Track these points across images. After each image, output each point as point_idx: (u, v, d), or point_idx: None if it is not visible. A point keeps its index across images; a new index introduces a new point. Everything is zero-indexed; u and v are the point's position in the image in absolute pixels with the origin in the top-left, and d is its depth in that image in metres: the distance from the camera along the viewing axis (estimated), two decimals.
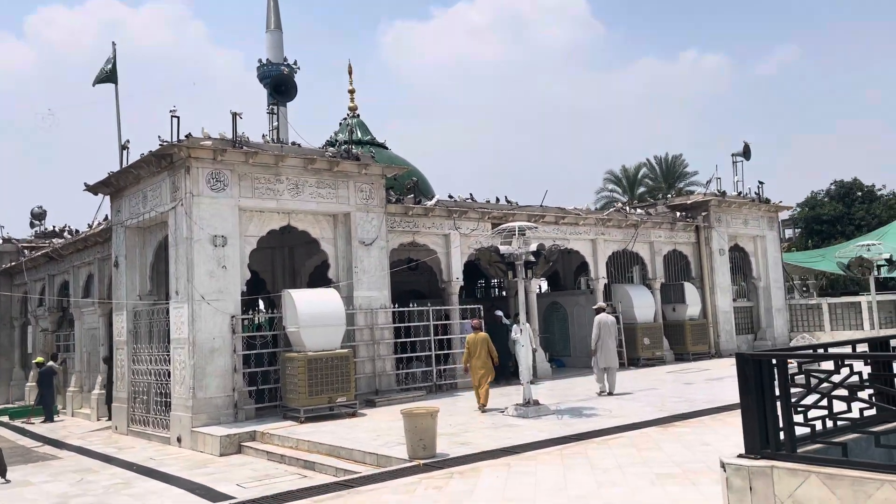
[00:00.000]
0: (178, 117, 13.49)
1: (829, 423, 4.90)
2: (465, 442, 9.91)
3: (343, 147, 15.37)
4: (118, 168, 15.25)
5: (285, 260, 18.84)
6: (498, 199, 19.14)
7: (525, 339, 12.62)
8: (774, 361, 4.80)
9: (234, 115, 13.79)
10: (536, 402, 12.32)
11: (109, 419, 16.63)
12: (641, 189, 46.73)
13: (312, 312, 13.07)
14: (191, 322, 12.92)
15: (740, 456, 4.86)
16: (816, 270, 30.70)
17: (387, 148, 24.69)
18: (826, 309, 24.18)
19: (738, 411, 11.35)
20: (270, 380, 13.89)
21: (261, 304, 22.66)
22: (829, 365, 4.82)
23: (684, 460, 7.93)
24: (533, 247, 12.53)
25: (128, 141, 15.75)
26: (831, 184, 42.62)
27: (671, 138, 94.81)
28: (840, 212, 40.25)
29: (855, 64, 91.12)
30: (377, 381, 15.10)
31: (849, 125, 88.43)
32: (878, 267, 19.31)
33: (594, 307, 15.73)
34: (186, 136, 13.32)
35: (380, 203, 15.61)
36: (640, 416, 11.37)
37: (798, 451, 4.64)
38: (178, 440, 12.95)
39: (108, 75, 17.06)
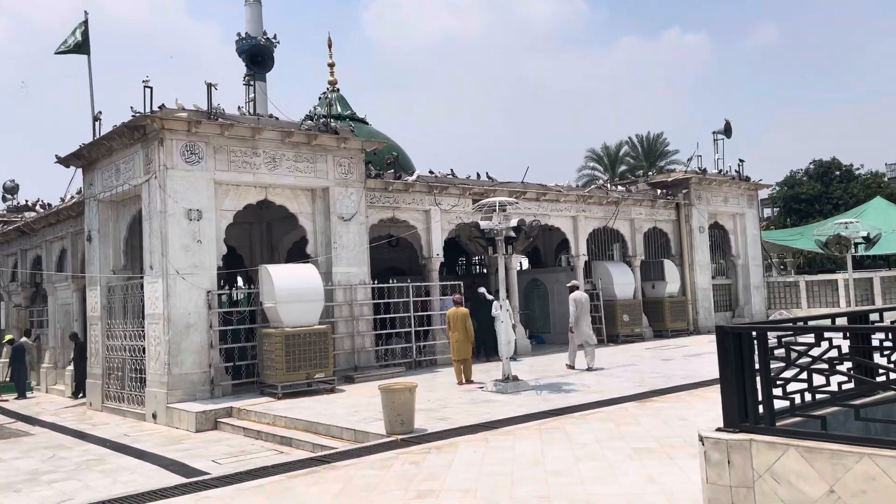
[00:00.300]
0: (151, 88, 13.18)
1: (809, 397, 4.86)
2: (443, 417, 9.85)
3: (321, 120, 15.10)
4: (91, 140, 14.88)
5: (263, 235, 18.58)
6: (479, 176, 18.98)
7: (504, 316, 12.55)
8: (754, 334, 4.73)
9: (209, 86, 13.48)
10: (516, 378, 12.29)
11: (78, 396, 16.44)
12: (623, 167, 46.76)
13: (290, 288, 12.90)
14: (165, 297, 12.70)
15: (718, 429, 4.80)
16: (794, 248, 30.97)
17: (367, 123, 24.39)
18: (803, 286, 24.40)
19: (716, 387, 11.37)
20: (248, 356, 13.74)
21: (239, 280, 22.44)
22: (808, 338, 4.77)
23: (662, 435, 7.92)
24: (513, 222, 12.41)
25: (100, 112, 15.39)
26: (810, 163, 42.85)
27: (653, 117, 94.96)
28: (818, 191, 40.50)
29: (835, 44, 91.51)
30: (356, 358, 15.00)
31: (830, 105, 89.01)
32: (856, 245, 19.44)
33: (568, 285, 15.77)
34: (160, 108, 12.99)
35: (359, 178, 15.39)
36: (619, 391, 11.37)
37: (777, 424, 4.60)
38: (154, 416, 12.79)
39: (80, 46, 16.57)
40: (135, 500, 6.50)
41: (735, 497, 4.54)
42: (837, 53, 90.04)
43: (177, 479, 8.16)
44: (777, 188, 42.66)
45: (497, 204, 12.30)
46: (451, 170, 18.31)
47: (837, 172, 41.75)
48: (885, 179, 44.30)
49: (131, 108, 13.12)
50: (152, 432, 11.94)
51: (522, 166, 19.66)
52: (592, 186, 23.08)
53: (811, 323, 5.34)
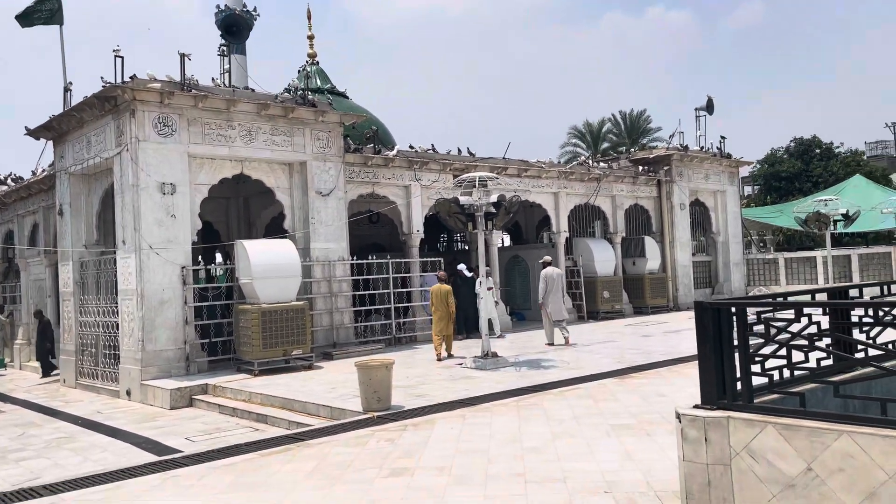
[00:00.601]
0: (122, 58, 12.79)
1: (787, 374, 4.79)
2: (421, 394, 9.75)
3: (299, 93, 14.78)
4: (61, 112, 14.46)
5: (240, 210, 18.28)
6: (460, 151, 18.76)
7: (484, 291, 12.47)
8: (734, 310, 4.63)
9: (182, 56, 13.11)
10: (495, 355, 12.22)
11: (43, 375, 16.21)
12: (605, 145, 46.67)
13: (266, 264, 12.69)
14: (139, 273, 12.44)
15: (696, 407, 4.73)
16: (774, 226, 31.13)
17: (347, 97, 24.00)
18: (782, 263, 24.55)
19: (695, 363, 11.35)
20: (224, 332, 13.54)
21: (218, 257, 22.13)
22: (788, 315, 4.69)
23: (640, 411, 7.88)
24: (493, 198, 12.26)
25: (70, 83, 14.93)
26: (791, 141, 42.99)
27: (636, 94, 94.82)
28: (798, 169, 40.66)
29: (819, 22, 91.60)
30: (335, 334, 14.85)
31: (812, 83, 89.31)
32: (835, 222, 19.51)
33: (540, 261, 15.75)
34: (131, 78, 12.64)
35: (337, 152, 15.13)
36: (598, 367, 11.34)
37: (755, 401, 4.52)
38: (128, 393, 12.59)
39: (52, 16, 16.03)
40: (102, 478, 6.34)
41: (712, 474, 4.47)
42: (821, 32, 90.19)
43: (148, 457, 8.00)
44: (758, 166, 42.79)
45: (477, 179, 12.13)
46: (432, 145, 18.10)
47: (818, 150, 41.93)
48: (865, 158, 44.60)
49: (101, 78, 12.76)
50: (126, 409, 11.75)
51: (505, 143, 19.53)
52: (574, 163, 22.95)
53: (791, 299, 5.27)
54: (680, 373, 10.48)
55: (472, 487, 5.44)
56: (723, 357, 4.67)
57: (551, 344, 14.52)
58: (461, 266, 16.94)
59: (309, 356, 12.95)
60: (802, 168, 40.65)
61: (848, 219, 19.42)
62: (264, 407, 10.34)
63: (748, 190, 47.55)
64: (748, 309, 4.71)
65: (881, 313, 4.81)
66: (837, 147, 42.60)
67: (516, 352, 13.61)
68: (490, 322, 15.68)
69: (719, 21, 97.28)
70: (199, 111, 13.18)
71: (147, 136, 12.64)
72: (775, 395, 4.64)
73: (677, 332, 16.50)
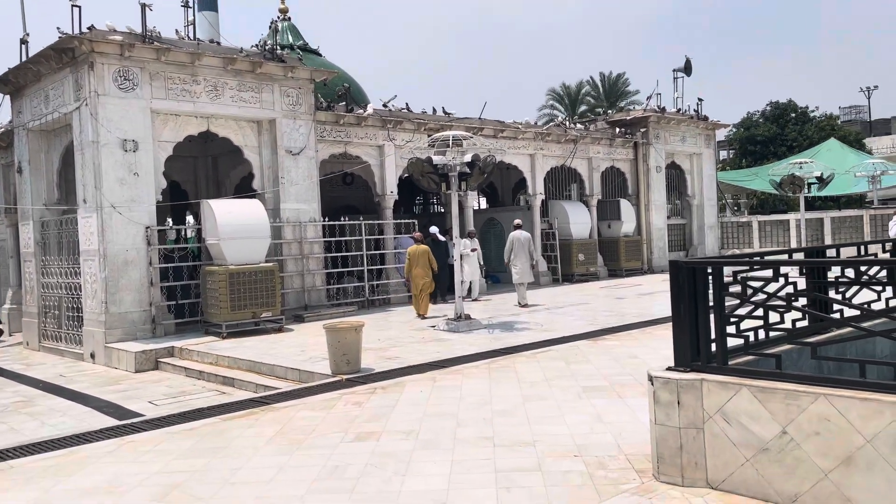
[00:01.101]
0: (79, 7, 12.18)
1: (763, 336, 4.66)
2: (392, 357, 9.58)
3: (267, 47, 14.23)
4: (17, 64, 13.81)
5: (209, 170, 17.77)
6: (435, 111, 18.37)
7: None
8: (710, 269, 4.46)
9: (143, 6, 12.53)
10: (468, 317, 12.07)
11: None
12: (583, 107, 46.34)
13: (233, 224, 12.34)
14: (101, 232, 12.03)
15: (669, 369, 4.58)
16: (748, 189, 31.23)
17: (320, 55, 23.32)
18: (756, 226, 24.64)
19: (668, 325, 11.25)
20: (192, 294, 13.22)
21: (191, 219, 21.61)
22: (765, 275, 4.54)
23: (612, 373, 7.77)
24: (468, 157, 11.96)
25: (27, 34, 14.26)
26: (767, 105, 42.99)
27: (615, 57, 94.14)
28: (773, 133, 40.70)
29: None
30: (306, 297, 14.59)
31: (789, 48, 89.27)
32: (809, 185, 19.52)
33: (513, 223, 15.96)
34: (89, 29, 12.06)
35: (308, 110, 14.68)
36: (571, 329, 11.25)
37: (730, 363, 4.38)
38: (92, 356, 12.28)
39: None
40: (56, 444, 6.09)
41: (684, 438, 4.35)
42: None
43: (109, 422, 7.75)
44: (734, 130, 42.82)
45: (451, 138, 11.82)
46: (406, 104, 17.69)
47: (793, 114, 42.00)
48: (839, 122, 44.80)
49: (58, 28, 12.16)
50: (90, 373, 11.45)
51: (482, 105, 19.01)
52: (551, 124, 22.63)
53: (768, 258, 5.12)
54: (653, 334, 10.42)
55: (439, 452, 5.29)
56: (697, 318, 4.51)
57: (525, 305, 14.58)
58: (434, 229, 16.42)
59: (279, 318, 12.70)
60: (777, 132, 40.71)
61: (822, 182, 19.43)
62: (231, 370, 10.11)
63: (723, 154, 47.64)
64: (724, 269, 4.54)
65: (859, 272, 4.69)
66: (812, 111, 42.73)
67: (490, 314, 13.49)
68: (470, 285, 15.58)
69: None
70: (161, 65, 12.65)
71: (107, 91, 12.12)
72: (750, 357, 4.51)
73: (650, 294, 16.51)
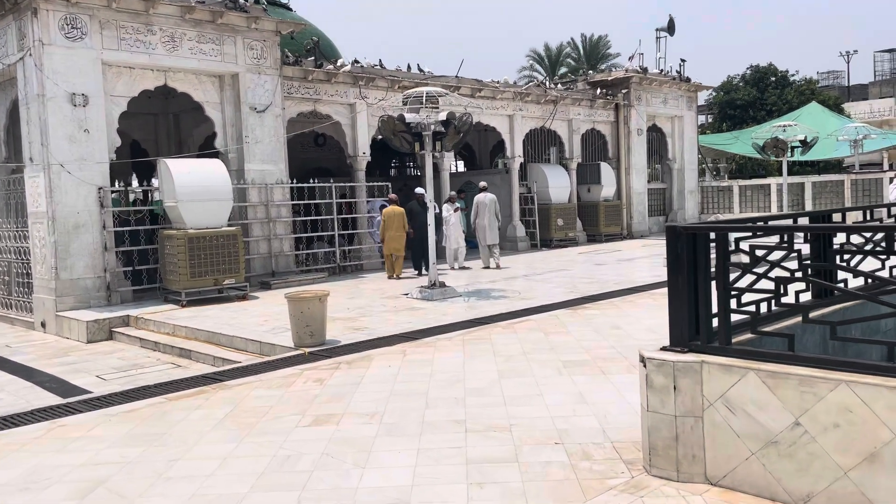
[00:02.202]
0: None
1: (769, 311, 4.13)
2: (360, 327, 9.00)
3: None
4: None
5: (170, 128, 16.84)
6: (410, 68, 17.54)
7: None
8: (713, 235, 3.90)
9: None
10: (443, 284, 11.51)
11: None
12: (563, 70, 45.54)
13: (192, 185, 11.56)
14: (49, 194, 11.21)
15: (664, 349, 4.03)
16: (728, 153, 30.81)
17: (290, 9, 22.07)
18: (736, 191, 24.26)
19: (650, 293, 10.76)
20: (150, 260, 12.49)
21: (155, 182, 20.67)
22: (766, 244, 3.99)
23: (594, 346, 7.27)
24: (442, 115, 11.25)
25: None
26: (747, 68, 42.49)
27: (597, 19, 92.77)
28: (753, 97, 40.29)
29: None
30: (273, 263, 13.91)
31: (770, 11, 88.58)
32: (792, 149, 19.08)
33: (479, 185, 15.76)
34: None
35: (273, 64, 13.82)
36: (550, 297, 10.75)
37: (734, 343, 3.85)
38: (43, 325, 11.56)
39: None
40: None
41: (680, 428, 3.83)
42: None
43: (50, 399, 7.13)
44: (713, 93, 42.31)
45: (425, 94, 11.10)
46: (380, 60, 16.86)
47: (773, 78, 41.56)
48: (818, 86, 44.45)
49: None
50: (39, 343, 10.75)
51: (461, 72, 18.19)
52: (530, 84, 21.86)
53: (773, 223, 4.56)
54: (634, 303, 9.95)
55: (405, 439, 4.74)
56: (697, 291, 3.96)
57: (487, 267, 14.88)
58: (419, 190, 14.58)
59: (243, 286, 12.04)
60: (757, 96, 40.31)
61: (805, 145, 18.97)
62: (189, 341, 9.48)
63: (702, 118, 47.14)
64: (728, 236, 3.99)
65: (876, 239, 4.16)
66: (793, 75, 42.32)
67: (466, 281, 12.94)
68: (456, 252, 14.92)
69: None
70: (113, 12, 11.70)
71: (52, 40, 11.18)
72: (755, 336, 3.98)
73: (630, 260, 16.08)
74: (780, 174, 31.27)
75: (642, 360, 4.06)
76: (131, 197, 18.06)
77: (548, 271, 14.31)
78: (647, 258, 16.22)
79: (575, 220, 20.59)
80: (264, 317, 10.12)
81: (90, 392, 7.26)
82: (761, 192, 23.80)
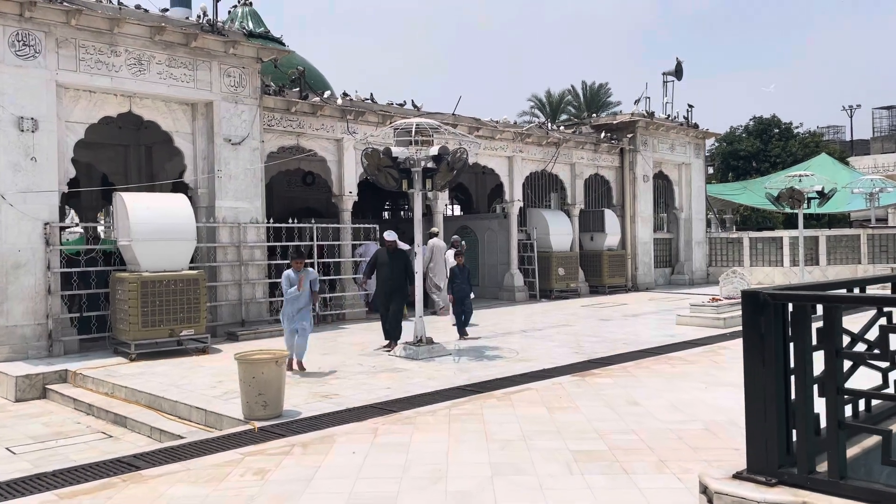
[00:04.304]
0: None
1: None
2: (328, 394, 7.60)
3: (205, 18, 12.18)
4: None
5: (141, 161, 15.60)
6: (404, 104, 16.44)
7: (419, 264, 10.34)
8: (820, 308, 2.57)
9: None
10: (430, 340, 10.13)
11: None
12: (564, 116, 44.91)
13: (150, 222, 10.25)
14: None
15: (737, 477, 2.66)
16: (734, 204, 29.74)
17: (283, 44, 21.31)
18: (747, 243, 23.02)
19: (665, 357, 9.19)
20: (102, 306, 11.10)
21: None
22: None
23: (609, 430, 5.88)
24: (434, 150, 10.03)
25: None
26: (750, 119, 41.92)
27: (598, 68, 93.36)
28: (757, 148, 39.58)
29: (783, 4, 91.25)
30: (244, 311, 12.52)
31: (774, 64, 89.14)
32: (809, 200, 17.92)
33: (429, 231, 14.55)
34: None
35: (253, 93, 12.68)
36: (552, 359, 9.37)
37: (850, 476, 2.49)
38: None
39: None
40: None
41: None
42: (785, 13, 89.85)
43: None
44: (716, 144, 41.62)
45: (414, 126, 9.90)
46: (371, 94, 15.75)
47: (777, 130, 40.91)
48: (823, 139, 43.80)
49: None
50: None
51: (459, 110, 17.12)
52: (532, 124, 20.80)
53: (870, 291, 3.24)
54: (650, 369, 8.58)
55: None
56: (787, 390, 2.62)
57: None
58: (390, 234, 11.26)
59: (204, 337, 10.63)
60: (761, 147, 39.61)
61: (823, 196, 17.80)
62: (127, 405, 8.05)
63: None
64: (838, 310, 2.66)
65: None
66: (797, 127, 41.72)
67: (456, 335, 11.54)
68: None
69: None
70: (72, 30, 10.58)
71: (2, 57, 10.02)
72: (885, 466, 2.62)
73: (637, 316, 14.75)
74: (786, 227, 30.34)
75: (704, 491, 2.69)
76: (103, 235, 16.77)
77: (548, 326, 12.95)
78: (655, 314, 14.88)
79: (577, 269, 19.29)
80: (220, 376, 8.69)
81: None
82: (773, 245, 22.58)
